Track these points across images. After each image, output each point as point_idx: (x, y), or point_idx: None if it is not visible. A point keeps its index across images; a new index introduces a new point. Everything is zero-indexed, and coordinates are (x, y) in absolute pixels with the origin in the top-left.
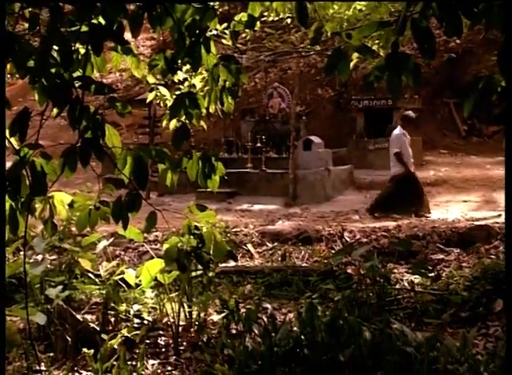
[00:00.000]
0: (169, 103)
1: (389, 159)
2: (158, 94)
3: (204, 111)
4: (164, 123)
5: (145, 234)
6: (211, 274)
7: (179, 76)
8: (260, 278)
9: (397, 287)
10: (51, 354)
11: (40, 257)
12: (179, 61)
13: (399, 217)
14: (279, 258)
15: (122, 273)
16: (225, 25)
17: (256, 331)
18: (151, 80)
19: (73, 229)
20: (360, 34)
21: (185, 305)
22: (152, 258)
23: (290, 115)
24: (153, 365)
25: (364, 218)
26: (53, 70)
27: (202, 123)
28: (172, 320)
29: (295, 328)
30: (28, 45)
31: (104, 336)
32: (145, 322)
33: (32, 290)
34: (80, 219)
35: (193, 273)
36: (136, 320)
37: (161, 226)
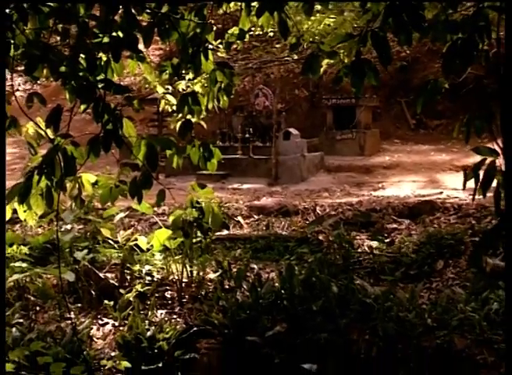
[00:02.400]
0: (175, 108)
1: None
2: (167, 100)
3: (203, 108)
4: (172, 120)
5: (155, 208)
6: (208, 240)
7: (183, 85)
8: (248, 244)
9: (359, 250)
10: (79, 305)
11: (69, 226)
12: (183, 66)
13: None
14: (264, 228)
15: (136, 239)
16: (219, 40)
17: (245, 287)
18: (160, 89)
19: (96, 203)
20: (330, 43)
21: (187, 265)
22: (161, 227)
23: (273, 111)
24: (161, 314)
25: (332, 195)
26: (80, 74)
27: (202, 117)
28: (176, 278)
29: (276, 284)
30: (60, 54)
31: (121, 290)
32: (155, 279)
33: (63, 253)
34: (103, 195)
35: (194, 240)
36: (148, 278)
37: (168, 202)
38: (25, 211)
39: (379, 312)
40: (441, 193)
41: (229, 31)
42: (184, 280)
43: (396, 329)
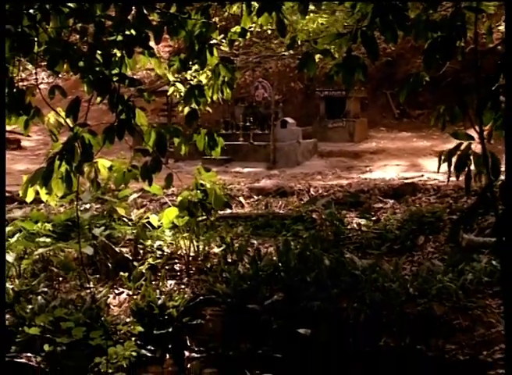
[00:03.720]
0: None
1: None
2: (176, 88)
3: (208, 99)
4: (180, 109)
5: (164, 190)
6: (212, 219)
7: (189, 75)
8: (248, 221)
9: (349, 227)
10: (97, 276)
11: (88, 206)
12: (190, 61)
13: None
14: (263, 207)
15: (148, 217)
16: (222, 35)
17: (246, 260)
18: (170, 77)
19: (112, 185)
20: (323, 42)
21: (194, 241)
22: (170, 207)
23: (271, 102)
24: (171, 284)
25: (325, 178)
26: (97, 69)
27: (207, 107)
28: (184, 252)
29: (274, 258)
30: (79, 50)
31: (135, 263)
32: (165, 253)
33: (82, 229)
34: (117, 178)
35: (200, 218)
36: (158, 252)
37: (176, 184)
38: (47, 193)
39: (366, 283)
40: (422, 176)
41: (232, 30)
42: (191, 254)
43: (381, 297)
